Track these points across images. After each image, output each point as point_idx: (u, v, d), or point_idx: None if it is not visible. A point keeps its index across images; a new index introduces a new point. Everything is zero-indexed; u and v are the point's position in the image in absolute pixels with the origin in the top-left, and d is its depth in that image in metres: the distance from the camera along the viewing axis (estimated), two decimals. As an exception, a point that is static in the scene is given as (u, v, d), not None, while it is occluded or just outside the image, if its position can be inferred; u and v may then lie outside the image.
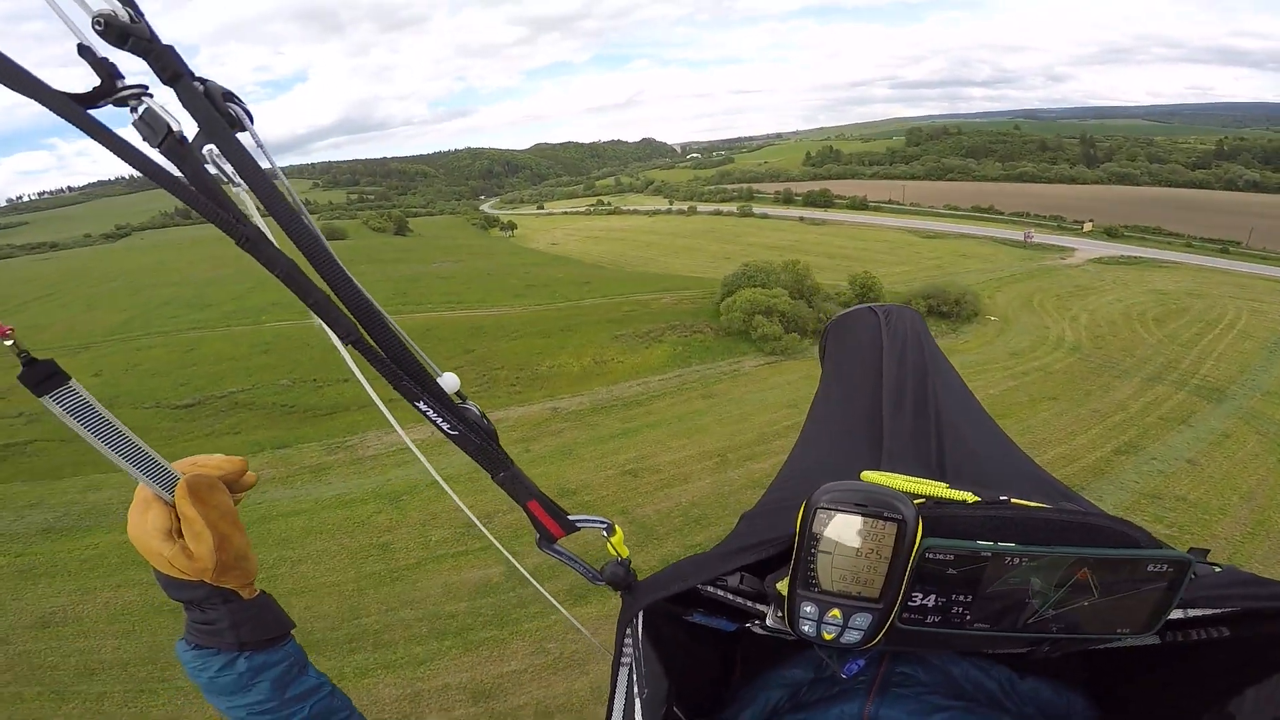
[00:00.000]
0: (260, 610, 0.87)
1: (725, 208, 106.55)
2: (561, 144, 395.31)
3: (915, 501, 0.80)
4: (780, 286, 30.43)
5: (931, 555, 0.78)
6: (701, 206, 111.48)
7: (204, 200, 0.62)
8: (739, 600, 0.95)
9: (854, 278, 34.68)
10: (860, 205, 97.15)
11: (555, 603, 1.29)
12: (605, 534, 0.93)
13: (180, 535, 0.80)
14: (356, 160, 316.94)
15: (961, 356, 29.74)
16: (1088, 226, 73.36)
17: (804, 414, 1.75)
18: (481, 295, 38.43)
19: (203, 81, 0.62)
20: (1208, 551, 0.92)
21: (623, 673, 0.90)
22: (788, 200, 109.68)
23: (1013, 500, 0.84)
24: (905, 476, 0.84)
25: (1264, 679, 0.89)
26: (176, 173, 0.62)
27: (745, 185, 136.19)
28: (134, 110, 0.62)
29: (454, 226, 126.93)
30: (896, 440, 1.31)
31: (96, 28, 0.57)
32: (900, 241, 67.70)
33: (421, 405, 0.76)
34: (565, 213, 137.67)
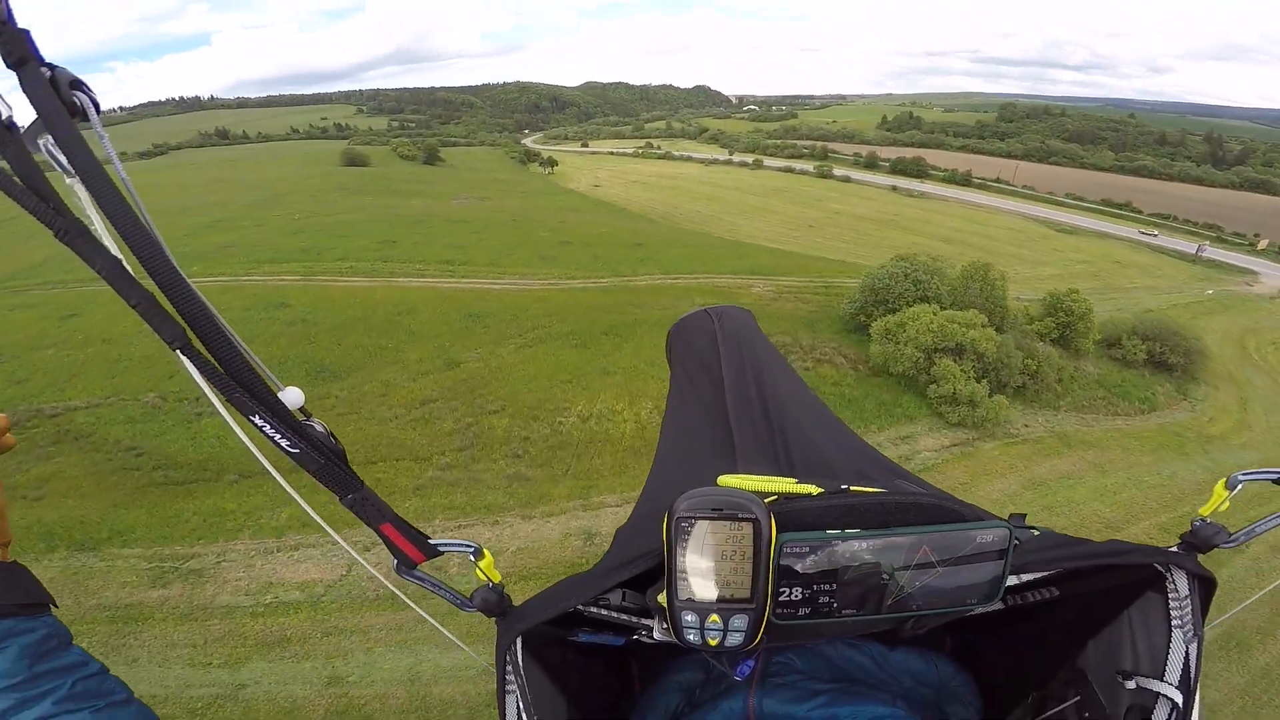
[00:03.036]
0: (12, 574, 0.79)
1: (798, 165, 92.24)
2: (612, 84, 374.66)
3: (767, 500, 0.85)
4: (971, 306, 18.69)
5: (789, 549, 0.82)
6: (768, 161, 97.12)
7: (21, 188, 0.58)
8: (623, 617, 0.97)
9: (1053, 298, 22.54)
10: (962, 180, 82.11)
11: (429, 618, 1.06)
12: (473, 558, 0.87)
13: None
14: (405, 89, 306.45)
15: (1223, 451, 19.03)
16: (1262, 244, 58.46)
17: None
18: (496, 253, 27.18)
19: (51, 68, 0.58)
20: (1024, 516, 0.98)
21: (510, 700, 0.89)
22: (870, 165, 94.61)
23: (850, 489, 0.90)
24: (758, 476, 0.88)
25: (1098, 632, 1.01)
26: None
27: (818, 143, 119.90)
28: None
29: (490, 159, 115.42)
30: (745, 441, 1.35)
31: None
32: (1031, 232, 53.93)
33: (257, 420, 0.69)
34: (611, 153, 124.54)
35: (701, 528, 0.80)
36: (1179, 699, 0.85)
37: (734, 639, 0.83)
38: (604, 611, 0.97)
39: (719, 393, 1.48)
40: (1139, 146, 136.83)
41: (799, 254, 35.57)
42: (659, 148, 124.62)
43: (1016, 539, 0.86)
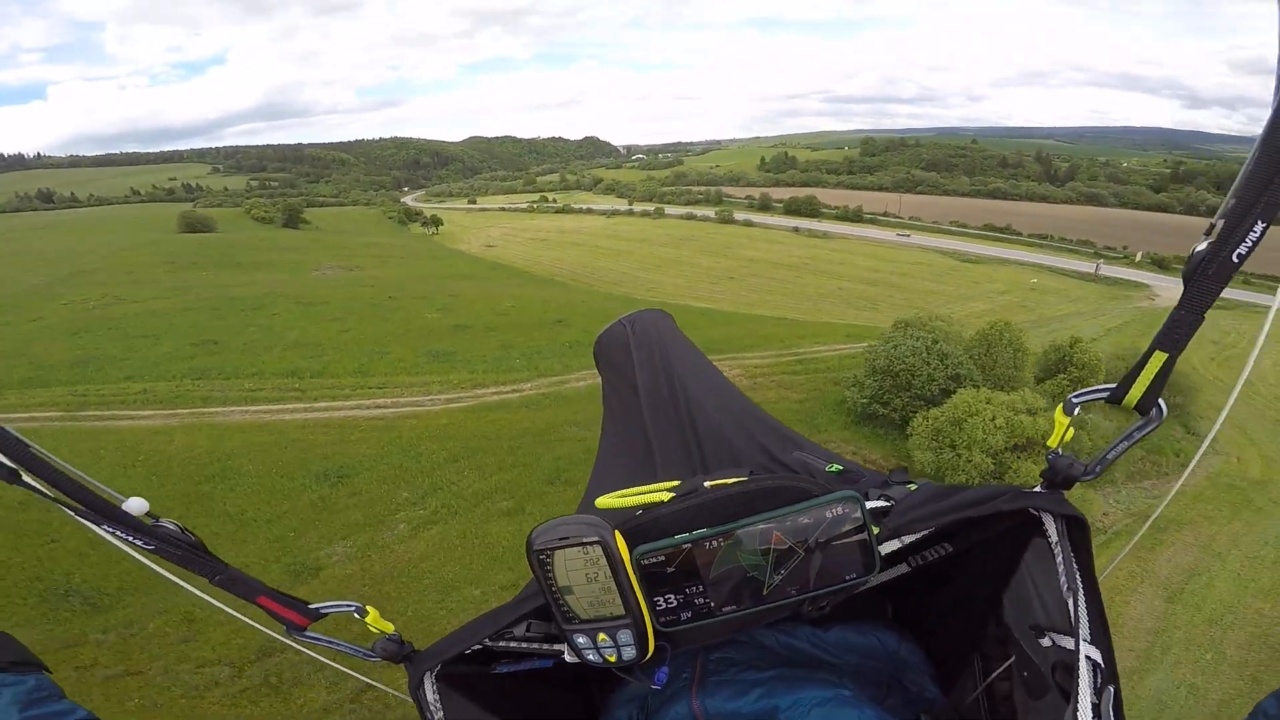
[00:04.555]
0: (4, 640, 0.82)
1: (699, 211, 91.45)
2: (498, 138, 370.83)
3: (638, 513, 0.88)
4: (1009, 381, 14.53)
5: (647, 560, 0.82)
6: (669, 209, 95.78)
7: None
8: (532, 647, 0.98)
9: (1056, 351, 19.40)
10: (854, 216, 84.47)
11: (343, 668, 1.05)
12: (358, 616, 0.91)
13: None
14: (269, 145, 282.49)
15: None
16: (1138, 256, 63.28)
17: None
18: (367, 351, 20.05)
19: None
20: (906, 470, 0.95)
21: None
22: (764, 206, 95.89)
23: (709, 483, 0.88)
24: (639, 489, 0.90)
25: (1008, 584, 0.93)
26: None
27: (713, 188, 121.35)
28: None
29: (364, 220, 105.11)
30: (665, 447, 1.34)
31: None
32: (939, 265, 54.22)
33: (106, 529, 0.74)
34: (503, 209, 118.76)
35: (559, 557, 0.81)
36: (1098, 656, 0.73)
37: (628, 653, 0.85)
38: (512, 644, 0.97)
39: (638, 402, 1.45)
40: (986, 170, 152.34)
41: (738, 314, 31.36)
42: (555, 201, 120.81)
43: (889, 498, 0.85)
